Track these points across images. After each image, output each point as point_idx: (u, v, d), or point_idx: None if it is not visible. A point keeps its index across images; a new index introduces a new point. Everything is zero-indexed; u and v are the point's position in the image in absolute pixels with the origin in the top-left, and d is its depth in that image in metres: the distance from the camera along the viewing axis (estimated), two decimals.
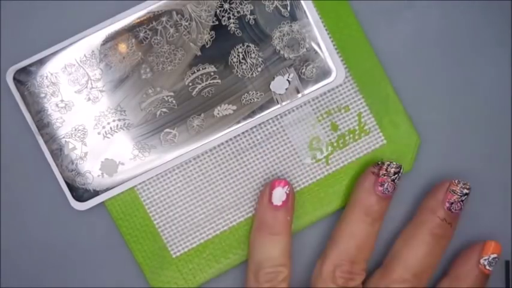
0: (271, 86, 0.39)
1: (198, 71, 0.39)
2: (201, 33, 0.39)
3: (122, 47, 0.39)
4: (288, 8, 0.39)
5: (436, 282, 0.40)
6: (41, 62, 0.39)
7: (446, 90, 0.41)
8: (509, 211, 0.41)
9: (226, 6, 0.39)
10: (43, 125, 0.39)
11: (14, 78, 0.39)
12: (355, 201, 0.39)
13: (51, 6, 0.40)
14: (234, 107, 0.39)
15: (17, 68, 0.39)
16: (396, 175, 0.38)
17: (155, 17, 0.39)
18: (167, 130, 0.39)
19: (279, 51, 0.39)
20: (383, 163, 0.39)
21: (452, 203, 0.38)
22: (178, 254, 0.40)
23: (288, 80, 0.39)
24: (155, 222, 0.40)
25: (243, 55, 0.39)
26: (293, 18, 0.39)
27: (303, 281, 0.41)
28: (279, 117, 0.40)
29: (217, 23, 0.39)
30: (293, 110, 0.40)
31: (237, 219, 0.40)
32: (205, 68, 0.39)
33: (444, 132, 0.41)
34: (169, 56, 0.39)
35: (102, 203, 0.40)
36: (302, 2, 0.39)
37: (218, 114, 0.39)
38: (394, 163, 0.38)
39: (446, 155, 0.41)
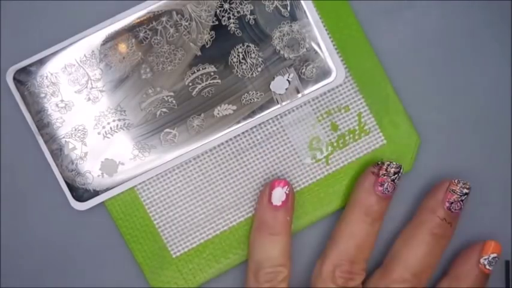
0: (271, 86, 0.39)
1: (198, 71, 0.39)
2: (201, 33, 0.39)
3: (122, 47, 0.39)
4: (288, 8, 0.39)
5: (436, 282, 0.40)
6: (41, 62, 0.39)
7: (446, 90, 0.41)
8: (509, 211, 0.41)
9: (226, 6, 0.39)
10: (43, 125, 0.39)
11: (14, 78, 0.39)
12: (355, 201, 0.39)
13: (51, 6, 0.40)
14: (234, 107, 0.39)
15: (17, 68, 0.39)
16: (396, 175, 0.38)
17: (155, 17, 0.39)
18: (167, 130, 0.39)
19: (279, 51, 0.39)
20: (383, 163, 0.39)
21: (452, 203, 0.38)
22: (178, 254, 0.40)
23: (288, 80, 0.39)
24: (155, 222, 0.40)
25: (243, 55, 0.39)
26: (293, 18, 0.39)
27: (303, 281, 0.41)
28: (279, 117, 0.40)
29: (217, 23, 0.39)
30: (293, 110, 0.40)
31: (237, 219, 0.40)
32: (205, 68, 0.39)
33: (444, 132, 0.41)
34: (169, 56, 0.39)
35: (102, 203, 0.40)
36: (302, 2, 0.39)
37: (218, 114, 0.39)
38: (394, 163, 0.38)
39: (446, 155, 0.41)
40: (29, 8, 0.40)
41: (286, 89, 0.39)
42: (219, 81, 0.39)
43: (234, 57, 0.39)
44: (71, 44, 0.39)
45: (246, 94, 0.39)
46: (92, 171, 0.39)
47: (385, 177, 0.38)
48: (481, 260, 0.39)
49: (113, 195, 0.39)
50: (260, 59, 0.39)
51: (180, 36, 0.39)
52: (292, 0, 0.39)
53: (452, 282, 0.39)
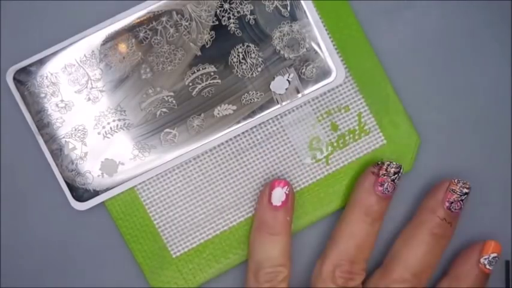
0: (271, 86, 0.39)
1: (198, 71, 0.39)
2: (201, 33, 0.39)
3: (122, 47, 0.39)
4: (288, 8, 0.39)
5: (436, 282, 0.40)
6: (41, 62, 0.39)
7: (446, 90, 0.41)
8: (509, 211, 0.41)
9: (226, 6, 0.39)
10: (43, 125, 0.39)
11: (14, 78, 0.39)
12: (355, 201, 0.39)
13: (51, 6, 0.40)
14: (234, 107, 0.39)
15: (17, 68, 0.39)
16: (396, 175, 0.38)
17: (155, 17, 0.39)
18: (167, 130, 0.39)
19: (279, 51, 0.39)
20: (383, 163, 0.39)
21: (452, 203, 0.38)
22: (178, 254, 0.40)
23: (288, 80, 0.39)
24: (155, 222, 0.40)
25: (243, 55, 0.39)
26: (293, 18, 0.39)
27: (303, 281, 0.41)
28: (279, 117, 0.40)
29: (217, 23, 0.39)
30: (293, 110, 0.40)
31: (237, 219, 0.40)
32: (205, 68, 0.39)
33: (444, 132, 0.41)
34: (169, 56, 0.39)
35: (102, 203, 0.40)
36: (302, 2, 0.39)
37: (218, 114, 0.39)
38: (394, 163, 0.38)
39: (446, 155, 0.41)
40: (29, 8, 0.40)
41: (286, 89, 0.39)
42: (219, 81, 0.39)
43: (234, 57, 0.39)
44: (71, 44, 0.39)
45: (246, 94, 0.39)
46: (92, 171, 0.39)
47: (385, 177, 0.38)
48: (481, 260, 0.39)
49: (113, 195, 0.39)
50: (260, 59, 0.39)
51: (180, 36, 0.39)
52: (292, 0, 0.39)
53: (452, 282, 0.39)
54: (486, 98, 0.41)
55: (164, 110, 0.39)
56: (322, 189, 0.40)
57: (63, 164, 0.39)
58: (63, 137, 0.39)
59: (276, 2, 0.39)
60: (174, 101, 0.39)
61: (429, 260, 0.38)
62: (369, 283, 0.39)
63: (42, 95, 0.39)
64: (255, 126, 0.40)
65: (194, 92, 0.39)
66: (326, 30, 0.40)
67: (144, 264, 0.40)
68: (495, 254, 0.39)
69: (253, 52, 0.39)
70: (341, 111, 0.40)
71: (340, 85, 0.40)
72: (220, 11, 0.39)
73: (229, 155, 0.40)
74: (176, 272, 0.40)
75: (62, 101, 0.39)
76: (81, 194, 0.39)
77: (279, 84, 0.39)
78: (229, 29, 0.39)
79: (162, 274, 0.40)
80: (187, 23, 0.39)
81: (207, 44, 0.39)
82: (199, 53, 0.39)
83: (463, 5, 0.40)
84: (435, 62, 0.40)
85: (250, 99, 0.39)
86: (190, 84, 0.39)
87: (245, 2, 0.39)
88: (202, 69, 0.39)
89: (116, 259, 0.40)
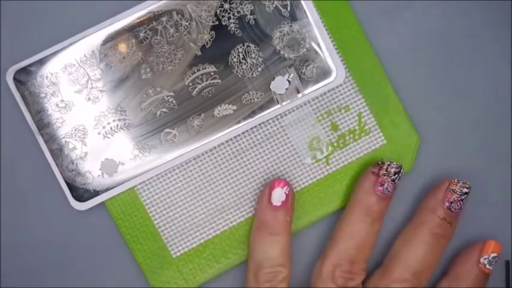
0: (271, 86, 0.39)
1: (198, 71, 0.39)
2: (201, 33, 0.39)
3: (122, 47, 0.39)
4: (288, 8, 0.39)
5: (436, 282, 0.40)
6: (41, 62, 0.39)
7: (446, 90, 0.41)
8: (509, 211, 0.41)
9: (226, 6, 0.39)
10: (43, 125, 0.39)
11: (14, 78, 0.39)
12: (355, 201, 0.39)
13: (51, 6, 0.40)
14: (234, 107, 0.39)
15: (17, 68, 0.39)
16: (396, 175, 0.38)
17: (155, 17, 0.39)
18: (167, 130, 0.39)
19: (279, 51, 0.39)
20: (383, 163, 0.39)
21: (452, 202, 0.38)
22: (178, 254, 0.40)
23: (288, 80, 0.39)
24: (155, 222, 0.40)
25: (243, 55, 0.39)
26: (293, 18, 0.39)
27: (303, 281, 0.41)
28: (279, 117, 0.40)
29: (217, 23, 0.39)
30: (293, 110, 0.40)
31: (237, 219, 0.40)
32: (205, 68, 0.39)
33: (444, 132, 0.41)
34: (170, 56, 0.39)
35: (102, 203, 0.40)
36: (302, 2, 0.39)
37: (218, 114, 0.39)
38: (394, 163, 0.39)
39: (446, 155, 0.41)
40: (29, 8, 0.40)
41: (287, 89, 0.39)
42: (219, 81, 0.39)
43: (234, 57, 0.39)
44: (71, 44, 0.39)
45: (246, 94, 0.39)
46: (92, 171, 0.39)
47: (385, 177, 0.38)
48: (481, 260, 0.39)
49: (113, 195, 0.39)
50: (260, 59, 0.39)
51: (180, 36, 0.39)
52: (292, 0, 0.39)
53: (452, 282, 0.39)
54: (486, 98, 0.41)
55: (164, 110, 0.39)
56: (322, 189, 0.40)
57: (63, 164, 0.39)
58: (63, 137, 0.39)
59: (276, 2, 0.39)
60: (174, 101, 0.39)
61: (429, 260, 0.38)
62: (369, 283, 0.39)
63: (42, 95, 0.39)
64: (255, 126, 0.40)
65: (194, 92, 0.39)
66: (326, 30, 0.40)
67: (144, 264, 0.40)
68: (495, 254, 0.39)
69: (254, 52, 0.39)
70: (341, 111, 0.40)
71: (340, 85, 0.40)
72: (220, 11, 0.39)
73: (229, 155, 0.40)
74: (176, 272, 0.40)
75: (62, 101, 0.39)
76: (81, 194, 0.39)
77: (279, 84, 0.39)
78: (229, 29, 0.39)
79: (162, 274, 0.40)
80: (187, 23, 0.39)
81: (207, 44, 0.39)
82: (199, 53, 0.39)
83: (463, 5, 0.40)
84: (435, 62, 0.40)
85: (251, 99, 0.39)
86: (191, 84, 0.39)
87: (245, 2, 0.39)
88: (203, 69, 0.39)
89: (116, 259, 0.40)
